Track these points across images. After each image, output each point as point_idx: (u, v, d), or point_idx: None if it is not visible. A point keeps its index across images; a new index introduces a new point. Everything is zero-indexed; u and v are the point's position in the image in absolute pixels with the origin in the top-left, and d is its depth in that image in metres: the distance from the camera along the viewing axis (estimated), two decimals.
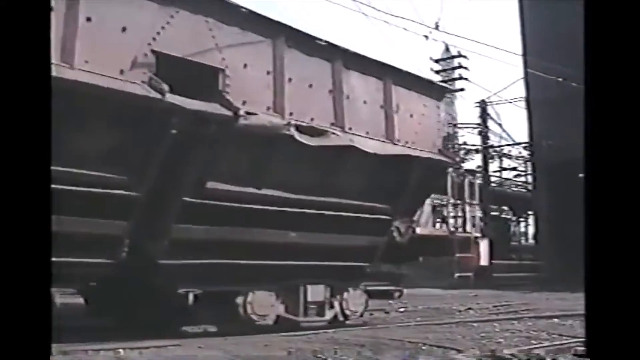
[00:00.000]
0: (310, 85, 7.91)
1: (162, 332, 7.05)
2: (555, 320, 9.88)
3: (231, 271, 7.32)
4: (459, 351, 6.34)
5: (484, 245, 27.67)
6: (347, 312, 8.93)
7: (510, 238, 41.46)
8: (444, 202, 11.83)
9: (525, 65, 27.42)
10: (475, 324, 9.31)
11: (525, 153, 40.22)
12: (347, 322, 8.89)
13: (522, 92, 32.20)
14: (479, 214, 29.15)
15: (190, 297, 6.96)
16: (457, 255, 11.45)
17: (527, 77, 29.47)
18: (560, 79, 17.92)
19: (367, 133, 8.47)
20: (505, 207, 40.70)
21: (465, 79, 35.27)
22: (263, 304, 7.85)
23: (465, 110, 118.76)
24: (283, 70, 7.51)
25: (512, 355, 5.96)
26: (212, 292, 7.21)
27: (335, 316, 8.77)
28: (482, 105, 32.04)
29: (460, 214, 22.63)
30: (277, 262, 7.77)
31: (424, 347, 6.63)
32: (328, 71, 8.14)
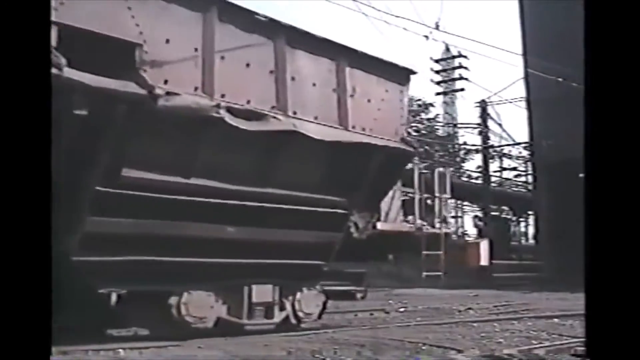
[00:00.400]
0: (248, 65, 7.15)
1: (86, 335, 6.52)
2: (555, 320, 9.89)
3: (160, 269, 6.69)
4: (459, 351, 6.34)
5: (483, 246, 27.71)
6: (300, 314, 8.17)
7: (510, 238, 41.48)
8: (421, 197, 11.16)
9: (526, 65, 27.45)
10: (475, 324, 9.31)
11: (525, 153, 40.34)
12: (302, 325, 8.17)
13: (522, 92, 32.29)
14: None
15: (113, 297, 6.35)
16: (424, 253, 10.85)
17: (527, 77, 29.50)
18: (560, 79, 17.92)
19: (316, 118, 7.69)
20: (505, 207, 40.78)
21: (466, 79, 35.42)
22: (200, 305, 7.16)
23: (465, 110, 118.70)
24: (213, 47, 6.79)
25: (512, 355, 5.97)
26: (139, 292, 6.60)
27: (287, 318, 8.06)
28: (482, 105, 32.07)
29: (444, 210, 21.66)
30: (213, 260, 7.08)
31: (424, 347, 6.63)
32: (269, 50, 7.35)
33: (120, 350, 6.10)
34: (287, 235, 7.65)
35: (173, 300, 6.98)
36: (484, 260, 27.37)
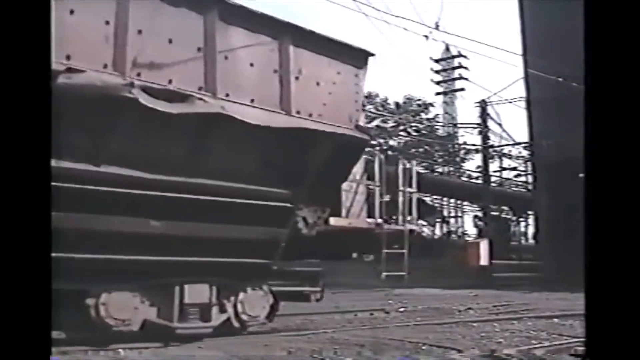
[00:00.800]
0: (170, 41, 6.40)
1: None
2: (555, 320, 9.89)
3: (72, 267, 5.86)
4: (459, 351, 6.35)
5: (483, 245, 27.74)
6: (244, 316, 7.51)
7: (510, 238, 41.51)
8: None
9: (525, 65, 27.47)
10: (475, 324, 9.32)
11: (525, 153, 40.37)
12: (249, 329, 7.59)
13: (522, 92, 32.33)
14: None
15: None
16: (385, 251, 10.29)
17: (527, 77, 29.52)
18: (560, 79, 17.94)
19: (252, 101, 6.92)
20: (505, 207, 40.81)
21: (465, 79, 35.52)
22: (122, 306, 6.53)
23: (465, 110, 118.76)
24: (128, 21, 6.05)
25: (512, 355, 5.97)
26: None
27: (229, 321, 7.41)
28: (482, 105, 32.10)
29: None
30: (135, 257, 6.39)
31: (424, 347, 6.64)
32: (198, 25, 6.62)
33: (120, 350, 6.11)
34: (223, 231, 6.95)
35: (90, 301, 6.41)
36: (483, 260, 27.39)
